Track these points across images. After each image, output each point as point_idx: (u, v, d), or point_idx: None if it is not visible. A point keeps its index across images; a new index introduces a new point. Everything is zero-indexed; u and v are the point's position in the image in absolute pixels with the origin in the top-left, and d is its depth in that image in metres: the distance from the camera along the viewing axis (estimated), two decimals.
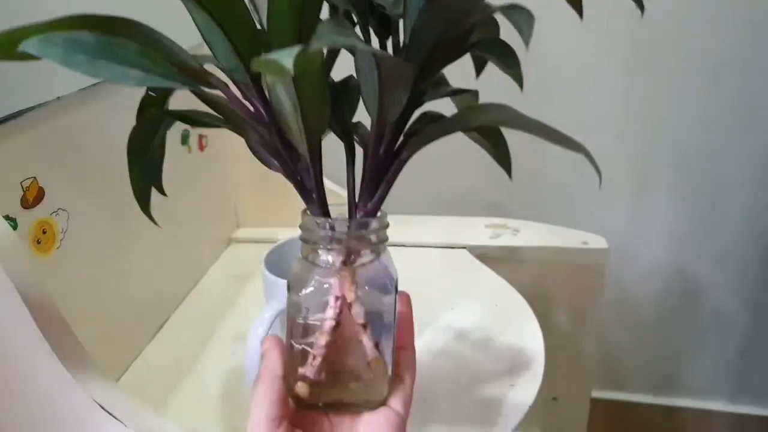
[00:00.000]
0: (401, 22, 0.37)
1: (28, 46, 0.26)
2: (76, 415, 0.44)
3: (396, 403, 0.39)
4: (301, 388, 0.37)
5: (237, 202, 0.92)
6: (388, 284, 0.39)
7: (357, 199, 0.39)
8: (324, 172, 0.38)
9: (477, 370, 0.61)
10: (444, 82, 0.45)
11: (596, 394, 1.25)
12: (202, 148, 0.79)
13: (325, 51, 0.38)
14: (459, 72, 0.43)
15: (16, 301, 0.41)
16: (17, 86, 0.49)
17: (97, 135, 0.59)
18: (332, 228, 0.37)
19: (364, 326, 0.37)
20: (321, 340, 0.37)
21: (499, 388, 0.58)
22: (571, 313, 0.86)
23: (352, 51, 0.35)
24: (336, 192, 0.87)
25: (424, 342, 0.65)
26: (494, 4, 0.33)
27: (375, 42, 0.39)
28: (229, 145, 0.85)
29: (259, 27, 0.34)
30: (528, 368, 0.60)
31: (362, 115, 0.40)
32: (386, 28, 0.39)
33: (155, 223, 0.45)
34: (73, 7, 0.31)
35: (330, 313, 0.37)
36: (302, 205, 0.39)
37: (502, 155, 0.51)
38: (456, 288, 0.76)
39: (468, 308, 0.71)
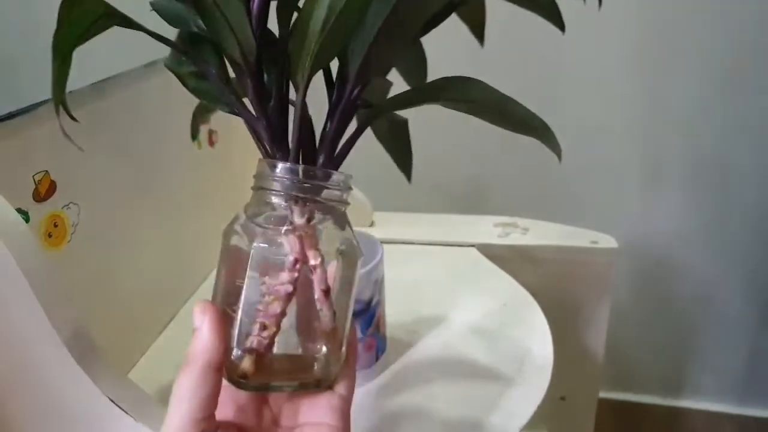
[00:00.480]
0: None
1: None
2: (86, 408, 0.44)
3: (341, 386, 0.35)
4: (247, 364, 0.31)
5: (247, 198, 0.92)
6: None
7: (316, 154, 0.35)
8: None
9: (485, 369, 0.61)
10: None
11: (604, 394, 1.25)
12: (211, 143, 0.80)
13: None
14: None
15: (27, 294, 0.41)
16: (30, 80, 0.50)
17: (108, 129, 0.59)
18: (298, 174, 0.33)
19: (326, 293, 0.33)
20: (275, 307, 0.31)
21: (507, 387, 0.58)
22: (580, 312, 0.86)
23: None
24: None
25: (432, 340, 0.65)
26: None
27: None
28: (239, 141, 0.85)
29: None
30: (536, 368, 0.60)
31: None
32: None
33: (73, 118, 0.40)
34: None
35: (285, 276, 0.32)
36: None
37: (403, 156, 0.49)
38: (464, 286, 0.76)
39: (476, 307, 0.71)
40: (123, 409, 0.43)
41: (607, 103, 1.06)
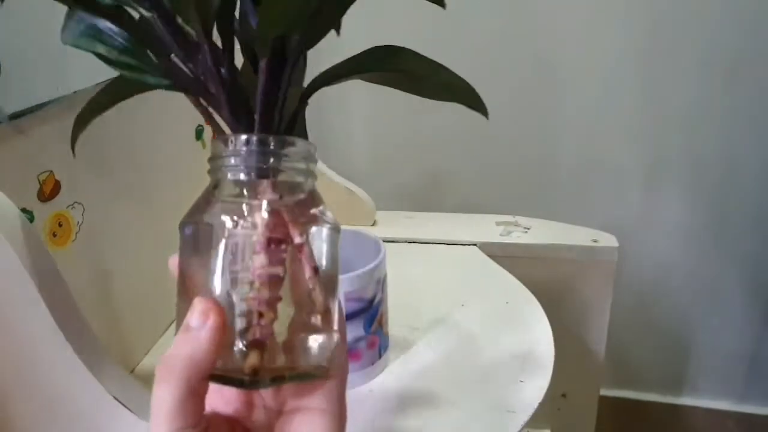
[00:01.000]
0: None
1: None
2: (91, 407, 0.44)
3: (336, 369, 0.32)
4: (254, 358, 0.28)
5: None
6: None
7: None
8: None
9: (486, 367, 0.61)
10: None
11: (605, 392, 1.25)
12: None
13: None
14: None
15: (32, 293, 0.41)
16: (34, 81, 0.50)
17: (114, 129, 0.59)
18: (267, 144, 0.30)
19: (316, 270, 0.30)
20: (264, 293, 0.29)
21: (509, 385, 0.58)
22: (581, 310, 0.86)
23: None
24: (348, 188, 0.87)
25: (434, 338, 0.66)
26: None
27: None
28: None
29: None
30: (537, 365, 0.60)
31: None
32: None
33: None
34: None
35: (263, 259, 0.29)
36: None
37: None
38: (466, 285, 0.76)
39: (478, 305, 0.71)
40: (127, 407, 0.43)
41: (608, 102, 1.06)
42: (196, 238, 0.30)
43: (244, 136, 0.30)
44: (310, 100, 0.34)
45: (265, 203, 0.29)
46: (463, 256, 0.83)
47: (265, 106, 0.31)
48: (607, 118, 1.07)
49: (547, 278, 0.83)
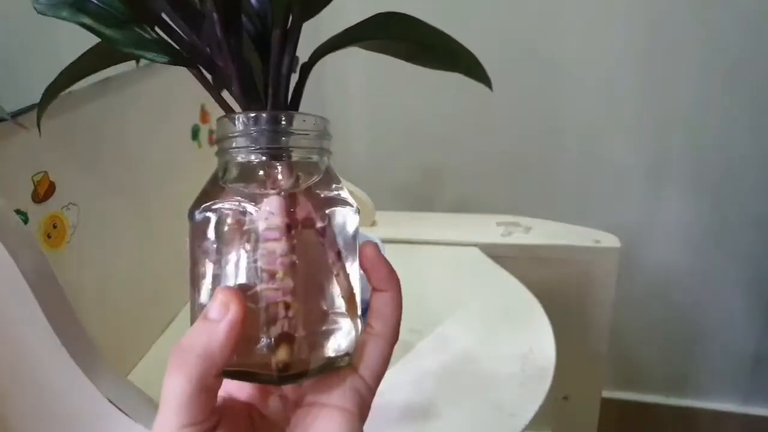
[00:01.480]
0: None
1: None
2: (85, 409, 0.44)
3: (365, 367, 0.29)
4: (284, 353, 0.26)
5: None
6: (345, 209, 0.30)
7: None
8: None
9: (487, 369, 0.61)
10: None
11: (607, 393, 1.24)
12: (212, 143, 0.79)
13: None
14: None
15: (26, 295, 0.41)
16: (28, 81, 0.50)
17: (108, 130, 0.59)
18: (278, 122, 0.28)
19: (339, 255, 0.29)
20: (287, 282, 0.27)
21: (509, 387, 0.57)
22: (582, 311, 0.85)
23: None
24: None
25: (434, 339, 0.65)
26: None
27: None
28: None
29: None
30: (538, 367, 0.60)
31: None
32: None
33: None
34: None
35: (284, 245, 0.27)
36: None
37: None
38: (466, 286, 0.75)
39: (478, 307, 0.71)
40: (122, 410, 0.43)
41: (609, 102, 1.05)
42: (208, 225, 0.28)
43: (252, 114, 0.28)
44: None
45: (284, 185, 0.27)
46: (464, 257, 0.82)
47: (276, 80, 0.29)
48: (609, 118, 1.07)
49: (548, 279, 0.83)
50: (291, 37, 0.29)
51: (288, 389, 0.30)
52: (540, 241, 0.83)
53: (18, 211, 0.47)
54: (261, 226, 0.27)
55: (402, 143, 1.13)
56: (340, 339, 0.28)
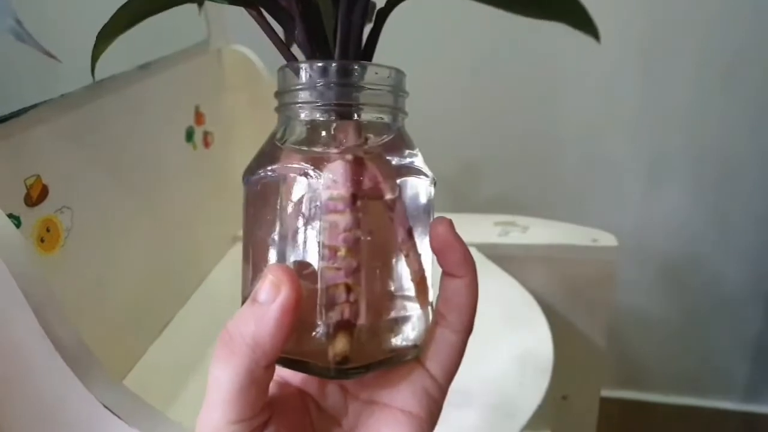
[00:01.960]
0: None
1: None
2: (80, 415, 0.43)
3: (434, 362, 0.26)
4: (343, 343, 0.23)
5: (243, 199, 0.92)
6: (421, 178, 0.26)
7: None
8: None
9: (485, 370, 0.60)
10: None
11: (606, 392, 1.24)
12: (207, 145, 0.79)
13: None
14: None
15: (19, 300, 0.40)
16: (21, 84, 0.49)
17: (102, 132, 0.59)
18: (349, 74, 0.24)
19: (410, 233, 0.25)
20: (351, 262, 0.23)
21: (508, 388, 0.57)
22: (581, 311, 0.85)
23: None
24: None
25: None
26: None
27: None
28: (234, 142, 0.85)
29: None
30: (537, 367, 0.60)
31: None
32: None
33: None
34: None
35: (349, 219, 0.23)
36: None
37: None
38: None
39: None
40: (117, 415, 0.43)
41: (607, 100, 1.05)
42: (265, 192, 0.25)
43: (320, 64, 0.24)
44: None
45: (350, 148, 0.24)
46: None
47: (346, 26, 0.25)
48: (607, 118, 1.06)
49: (546, 279, 0.82)
50: None
51: (349, 381, 0.27)
52: (537, 240, 0.83)
53: (11, 215, 0.47)
54: (323, 195, 0.23)
55: None
56: (408, 329, 0.25)
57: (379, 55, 0.27)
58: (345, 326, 0.23)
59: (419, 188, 0.26)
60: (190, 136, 0.75)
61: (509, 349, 0.63)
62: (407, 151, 0.26)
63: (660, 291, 1.19)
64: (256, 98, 0.83)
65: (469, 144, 1.11)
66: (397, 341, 0.25)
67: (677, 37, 0.99)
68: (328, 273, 0.23)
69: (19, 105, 0.48)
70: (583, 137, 1.08)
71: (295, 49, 0.27)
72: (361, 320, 0.23)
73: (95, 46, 0.28)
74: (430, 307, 0.26)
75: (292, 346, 0.23)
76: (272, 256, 0.24)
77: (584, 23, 0.26)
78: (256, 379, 0.22)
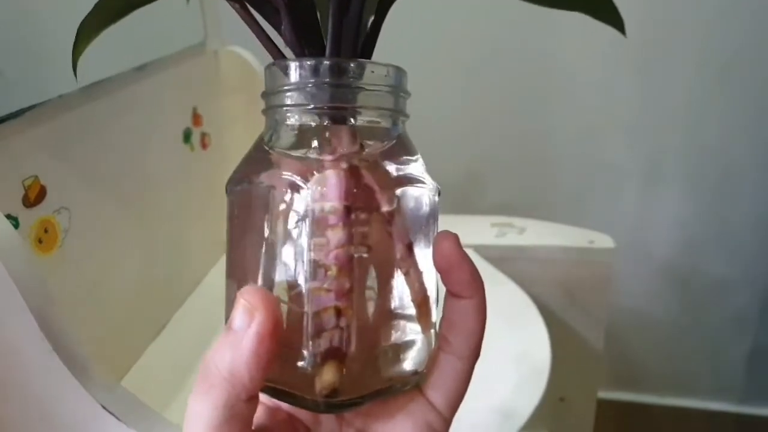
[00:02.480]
0: None
1: None
2: (77, 416, 0.43)
3: (437, 391, 0.23)
4: (331, 374, 0.21)
5: None
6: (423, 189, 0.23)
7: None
8: None
9: (482, 371, 0.60)
10: None
11: (603, 394, 1.24)
12: (204, 146, 0.79)
13: None
14: None
15: (17, 300, 0.40)
16: (19, 84, 0.49)
17: (99, 133, 0.59)
18: (342, 72, 0.22)
19: (410, 248, 0.23)
20: (343, 282, 0.21)
21: (505, 389, 0.57)
22: (578, 313, 0.85)
23: None
24: None
25: None
26: None
27: None
28: (232, 143, 0.85)
29: None
30: (534, 369, 0.60)
31: None
32: None
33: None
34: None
35: (341, 234, 0.21)
36: None
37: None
38: None
39: None
40: (115, 416, 0.43)
41: (606, 101, 1.05)
42: (249, 203, 0.23)
43: (310, 62, 0.22)
44: None
45: (344, 154, 0.22)
46: None
47: (338, 18, 0.22)
48: (605, 119, 1.07)
49: (543, 280, 0.82)
50: None
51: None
52: (534, 242, 0.83)
53: (8, 216, 0.47)
54: (313, 207, 0.21)
55: None
56: (408, 356, 0.23)
57: (376, 55, 0.26)
58: (334, 355, 0.21)
59: (421, 199, 0.23)
60: (187, 137, 0.75)
61: (506, 351, 0.63)
62: (407, 158, 0.23)
63: (657, 292, 1.19)
64: (253, 99, 0.83)
65: (466, 145, 1.11)
66: (395, 369, 0.22)
67: (674, 38, 0.99)
68: (317, 294, 0.21)
69: (17, 106, 0.48)
70: (580, 138, 1.08)
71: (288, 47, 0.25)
72: (353, 348, 0.21)
73: (75, 43, 0.27)
74: (433, 330, 0.24)
75: (278, 375, 0.21)
76: (256, 274, 0.22)
77: (609, 14, 0.25)
78: (237, 413, 0.20)
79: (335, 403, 0.21)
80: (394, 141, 0.23)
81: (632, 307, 1.20)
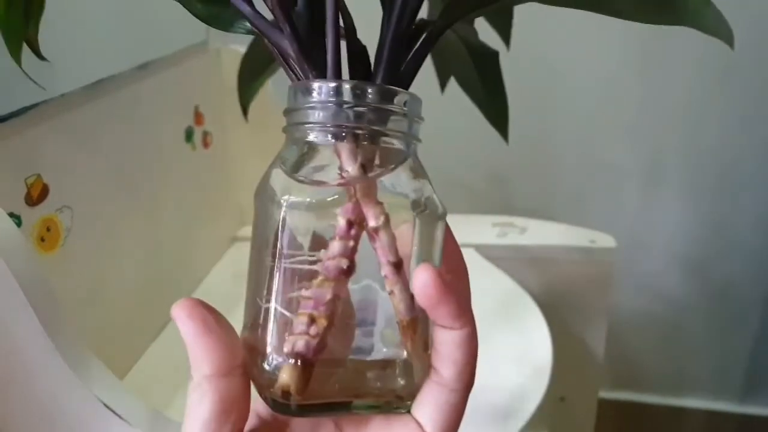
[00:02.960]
0: None
1: None
2: (80, 414, 0.43)
3: (426, 414, 0.23)
4: (287, 376, 0.22)
5: (242, 200, 0.92)
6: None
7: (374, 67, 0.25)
8: None
9: (483, 371, 0.60)
10: None
11: (604, 394, 1.24)
12: (206, 145, 0.79)
13: None
14: None
15: (19, 299, 0.40)
16: (21, 83, 0.49)
17: (101, 132, 0.59)
18: (338, 94, 0.23)
19: (397, 267, 0.23)
20: (325, 292, 0.22)
21: (506, 389, 0.57)
22: (579, 312, 0.85)
23: None
24: None
25: None
26: None
27: None
28: (234, 142, 0.85)
29: None
30: (535, 368, 0.60)
31: None
32: None
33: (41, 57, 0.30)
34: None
35: (337, 248, 0.22)
36: None
37: (496, 110, 0.33)
38: None
39: (474, 308, 0.71)
40: (117, 414, 0.43)
41: (606, 102, 1.05)
42: (262, 213, 0.24)
43: (332, 84, 0.23)
44: None
45: (347, 175, 0.23)
46: None
47: (336, 43, 0.24)
48: (605, 119, 1.07)
49: (544, 280, 0.82)
50: None
51: (347, 422, 0.25)
52: (535, 241, 0.83)
53: (11, 214, 0.47)
54: (313, 224, 0.23)
55: None
56: (384, 376, 0.23)
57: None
58: (295, 358, 0.22)
59: (425, 221, 0.24)
60: (189, 136, 0.75)
61: (507, 350, 0.63)
62: (416, 180, 0.24)
63: (658, 292, 1.19)
64: (255, 99, 0.83)
65: (467, 145, 1.11)
66: (364, 386, 0.23)
67: (674, 39, 0.99)
68: (292, 303, 0.22)
69: (20, 104, 0.48)
70: (581, 138, 1.08)
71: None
72: (317, 356, 0.22)
73: (242, 92, 0.27)
74: (425, 355, 0.23)
75: (252, 373, 0.23)
76: (262, 280, 0.23)
77: (719, 27, 0.25)
78: (210, 391, 0.22)
79: (284, 406, 0.22)
80: (404, 163, 0.24)
81: (633, 307, 1.20)
